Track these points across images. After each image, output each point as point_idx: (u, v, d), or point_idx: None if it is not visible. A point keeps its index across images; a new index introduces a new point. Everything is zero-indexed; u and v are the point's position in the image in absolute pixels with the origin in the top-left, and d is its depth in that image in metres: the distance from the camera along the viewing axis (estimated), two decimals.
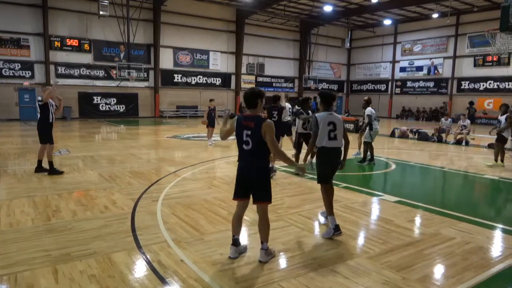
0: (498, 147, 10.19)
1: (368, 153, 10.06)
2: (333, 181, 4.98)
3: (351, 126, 19.27)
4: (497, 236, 5.02)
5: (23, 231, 4.69)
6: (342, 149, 4.90)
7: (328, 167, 4.82)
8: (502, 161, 10.14)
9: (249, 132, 3.74)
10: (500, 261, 4.14)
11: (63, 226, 4.89)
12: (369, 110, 9.93)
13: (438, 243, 4.55)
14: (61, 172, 8.07)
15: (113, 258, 3.96)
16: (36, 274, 3.58)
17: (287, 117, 9.26)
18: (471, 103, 22.71)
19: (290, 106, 10.09)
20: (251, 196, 3.94)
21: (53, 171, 8.00)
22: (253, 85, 32.49)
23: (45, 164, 8.17)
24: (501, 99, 25.42)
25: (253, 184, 3.84)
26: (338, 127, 4.78)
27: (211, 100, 13.72)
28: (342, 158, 4.94)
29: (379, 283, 3.54)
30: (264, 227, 3.94)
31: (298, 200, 6.31)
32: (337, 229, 4.66)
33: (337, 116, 4.89)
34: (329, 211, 4.79)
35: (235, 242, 4.04)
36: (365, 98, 10.34)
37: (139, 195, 6.43)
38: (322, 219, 5.32)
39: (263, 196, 3.86)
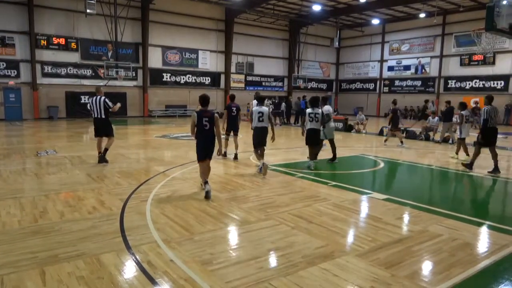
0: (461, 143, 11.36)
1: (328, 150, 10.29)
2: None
3: (340, 125, 19.26)
4: (483, 232, 5.11)
5: (9, 233, 4.61)
6: (269, 128, 8.52)
7: (256, 138, 8.32)
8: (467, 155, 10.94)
9: (207, 119, 6.23)
10: (486, 257, 4.21)
11: (50, 227, 4.82)
12: (327, 108, 9.76)
13: (426, 240, 4.61)
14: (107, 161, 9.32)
15: (102, 259, 3.92)
16: (22, 276, 3.52)
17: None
18: (426, 101, 23.24)
19: (257, 102, 9.80)
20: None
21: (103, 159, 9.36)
22: (243, 84, 32.59)
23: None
24: None
25: (210, 149, 6.37)
26: (264, 115, 8.27)
27: None
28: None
29: (368, 280, 3.57)
30: (208, 171, 6.48)
31: (288, 199, 6.33)
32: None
33: (265, 108, 8.39)
34: (257, 158, 8.49)
35: (207, 182, 6.36)
36: (323, 95, 10.37)
37: (128, 195, 6.37)
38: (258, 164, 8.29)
39: (211, 155, 6.43)
